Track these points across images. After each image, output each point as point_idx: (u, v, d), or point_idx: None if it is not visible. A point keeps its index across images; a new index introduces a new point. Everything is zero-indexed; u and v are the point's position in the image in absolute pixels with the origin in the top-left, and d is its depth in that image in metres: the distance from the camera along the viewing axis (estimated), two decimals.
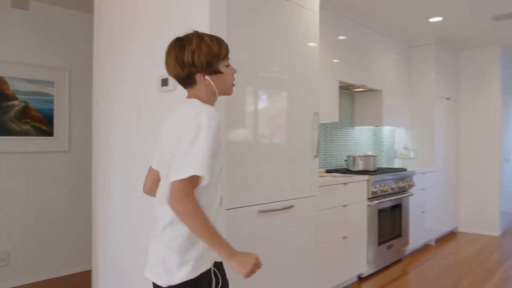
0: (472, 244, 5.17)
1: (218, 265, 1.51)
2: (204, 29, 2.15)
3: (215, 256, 1.45)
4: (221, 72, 1.47)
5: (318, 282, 3.13)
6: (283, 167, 2.66)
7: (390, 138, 5.42)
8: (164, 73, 2.32)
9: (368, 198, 3.82)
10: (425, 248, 5.00)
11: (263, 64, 2.53)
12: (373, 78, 4.50)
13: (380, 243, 4.00)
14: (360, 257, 3.73)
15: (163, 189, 1.43)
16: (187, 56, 1.42)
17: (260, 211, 2.48)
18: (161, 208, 1.42)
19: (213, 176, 1.37)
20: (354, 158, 4.16)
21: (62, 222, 3.91)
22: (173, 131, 1.40)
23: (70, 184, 3.97)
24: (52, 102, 3.83)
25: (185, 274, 1.36)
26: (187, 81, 1.46)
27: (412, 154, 5.26)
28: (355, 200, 3.63)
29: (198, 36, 1.45)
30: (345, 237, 3.51)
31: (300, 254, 2.80)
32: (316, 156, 2.93)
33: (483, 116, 5.79)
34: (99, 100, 2.85)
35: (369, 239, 3.84)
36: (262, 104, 2.53)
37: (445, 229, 5.50)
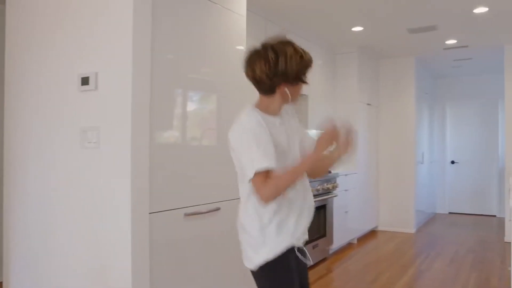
0: (390, 242, 5.49)
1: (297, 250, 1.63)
2: (127, 29, 2.09)
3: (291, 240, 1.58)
4: (303, 82, 1.58)
5: (246, 283, 3.14)
6: (211, 169, 2.65)
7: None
8: (85, 71, 2.22)
9: None
10: (348, 246, 5.23)
11: (191, 66, 2.51)
12: None
13: (306, 243, 4.11)
14: None
15: (241, 186, 1.70)
16: (281, 65, 1.51)
17: (186, 214, 2.45)
18: (242, 201, 1.69)
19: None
20: None
21: None
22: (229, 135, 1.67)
23: None
24: None
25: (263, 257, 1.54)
26: (266, 89, 1.58)
27: None
28: None
29: (290, 45, 1.57)
30: None
31: (228, 256, 2.80)
32: None
33: (400, 122, 6.19)
34: (12, 99, 2.65)
35: None
36: (190, 106, 2.51)
37: (366, 228, 5.80)
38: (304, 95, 4.79)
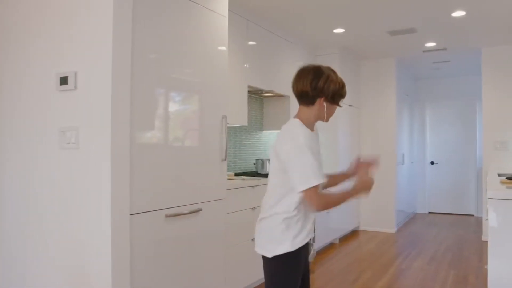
0: (371, 241, 5.55)
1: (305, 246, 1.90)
2: (107, 28, 2.07)
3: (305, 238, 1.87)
4: (337, 105, 1.90)
5: (227, 284, 3.14)
6: (192, 170, 2.65)
7: None
8: (64, 71, 2.19)
9: None
10: (330, 246, 5.27)
11: (173, 66, 2.50)
12: (281, 83, 4.65)
13: None
14: None
15: (268, 188, 1.94)
16: (321, 83, 1.82)
17: (167, 215, 2.44)
18: (265, 198, 1.94)
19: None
20: (262, 161, 4.26)
21: None
22: (278, 141, 1.90)
23: None
24: None
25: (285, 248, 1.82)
26: (308, 99, 1.85)
27: None
28: None
29: (332, 72, 1.87)
30: (253, 239, 3.56)
31: (209, 257, 2.80)
32: (225, 159, 2.95)
33: (381, 123, 6.27)
34: None
35: None
36: (172, 106, 2.50)
37: (348, 228, 5.85)
38: (286, 96, 4.82)
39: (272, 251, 1.85)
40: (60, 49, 2.24)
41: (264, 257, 1.91)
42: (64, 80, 2.19)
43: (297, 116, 1.89)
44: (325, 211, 4.97)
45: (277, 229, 1.83)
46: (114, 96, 2.08)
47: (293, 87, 1.89)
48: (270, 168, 1.89)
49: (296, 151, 1.75)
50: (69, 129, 2.17)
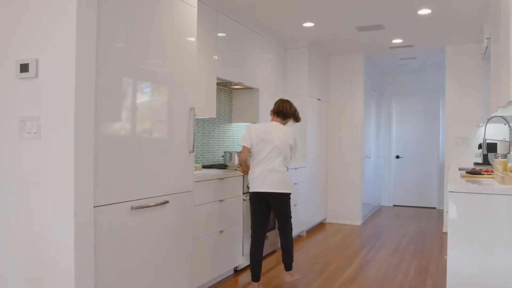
0: (338, 233, 5.65)
1: None
2: (71, 14, 2.00)
3: None
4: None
5: (194, 276, 3.13)
6: (159, 162, 2.61)
7: None
8: (24, 58, 2.11)
9: (244, 193, 3.94)
10: (298, 238, 5.33)
11: (140, 56, 2.44)
12: (251, 76, 4.65)
13: None
14: (236, 250, 3.83)
15: (280, 157, 3.36)
16: (294, 109, 3.54)
17: (133, 208, 2.40)
18: (279, 162, 3.35)
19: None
20: (231, 154, 4.25)
21: None
22: (288, 137, 3.42)
23: None
24: None
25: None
26: (288, 118, 3.52)
27: None
28: (231, 195, 3.72)
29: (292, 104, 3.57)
30: (221, 231, 3.57)
31: (176, 249, 2.78)
32: (192, 151, 2.93)
33: (349, 117, 6.37)
34: None
35: (245, 233, 3.96)
36: (139, 97, 2.45)
37: (315, 220, 5.93)
38: (255, 88, 4.81)
39: (291, 189, 3.41)
40: (20, 34, 2.15)
41: (286, 194, 3.38)
42: (24, 68, 2.11)
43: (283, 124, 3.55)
44: (293, 204, 5.05)
45: (288, 178, 3.41)
46: (77, 85, 2.02)
47: (287, 110, 3.51)
48: (282, 147, 3.35)
49: (296, 138, 3.54)
50: (30, 118, 2.10)
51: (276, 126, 3.41)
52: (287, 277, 3.47)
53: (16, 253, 2.16)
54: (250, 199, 3.40)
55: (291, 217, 3.48)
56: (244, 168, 3.44)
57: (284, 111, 3.45)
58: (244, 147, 3.35)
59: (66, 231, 2.02)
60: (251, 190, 3.38)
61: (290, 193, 3.39)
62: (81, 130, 2.04)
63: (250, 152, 3.38)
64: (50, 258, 2.07)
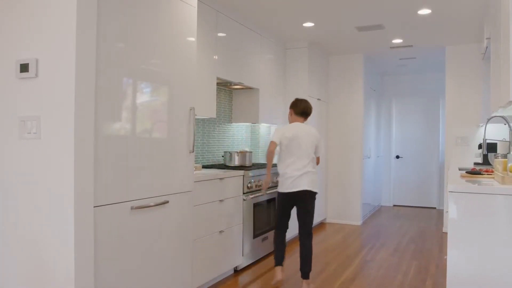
0: (337, 233, 5.65)
1: None
2: (71, 14, 2.00)
3: None
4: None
5: (194, 276, 3.13)
6: (159, 162, 2.61)
7: (266, 135, 5.66)
8: (24, 58, 2.11)
9: (244, 193, 3.94)
10: (297, 238, 5.33)
11: (141, 56, 2.44)
12: (251, 76, 4.65)
13: (256, 236, 4.16)
14: (236, 250, 3.83)
15: (309, 157, 3.46)
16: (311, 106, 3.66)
17: (133, 208, 2.40)
18: (309, 162, 3.45)
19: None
20: (230, 154, 4.25)
21: None
22: (314, 137, 3.51)
23: None
24: None
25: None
26: (309, 116, 3.64)
27: None
28: (231, 195, 3.72)
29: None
30: (221, 231, 3.57)
31: (176, 249, 2.78)
32: (192, 151, 2.93)
33: (349, 117, 6.37)
34: None
35: (245, 233, 3.96)
36: (139, 97, 2.45)
37: (315, 220, 5.93)
38: (255, 88, 4.81)
39: (318, 189, 3.10)
40: (20, 34, 2.15)
41: (315, 192, 3.48)
42: (24, 68, 2.11)
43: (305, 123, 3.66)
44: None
45: (317, 178, 3.55)
46: (77, 85, 2.02)
47: (310, 109, 3.61)
48: (309, 148, 3.46)
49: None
50: (30, 118, 2.10)
51: (303, 128, 3.49)
52: (304, 286, 3.39)
53: (16, 253, 2.16)
54: (279, 200, 3.51)
55: (312, 222, 3.50)
56: (270, 158, 3.45)
57: (307, 111, 3.55)
58: (272, 141, 3.40)
59: (66, 231, 2.02)
60: (281, 190, 3.47)
61: (317, 193, 3.51)
62: (81, 130, 2.04)
63: (277, 146, 3.47)
64: (50, 258, 2.07)
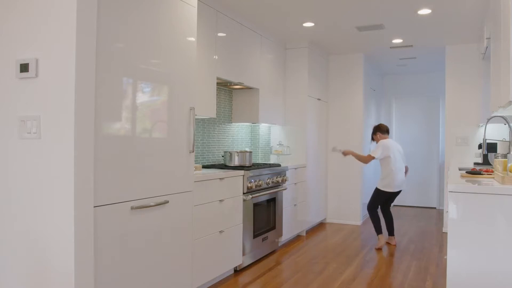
0: (337, 233, 5.65)
1: None
2: (71, 14, 2.00)
3: None
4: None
5: (194, 277, 3.13)
6: (159, 162, 2.61)
7: (266, 135, 5.66)
8: (24, 58, 2.11)
9: (244, 193, 3.94)
10: (297, 238, 5.33)
11: (141, 56, 2.44)
12: (251, 76, 4.65)
13: (255, 235, 4.16)
14: (236, 250, 3.83)
15: (401, 162, 4.95)
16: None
17: (133, 208, 2.40)
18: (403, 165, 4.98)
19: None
20: (230, 153, 4.25)
21: None
22: (401, 149, 5.04)
23: None
24: None
25: None
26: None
27: (286, 151, 5.56)
28: (231, 195, 3.72)
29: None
30: (221, 231, 3.57)
31: (176, 249, 2.78)
32: (192, 151, 2.93)
33: (349, 117, 6.37)
34: None
35: (245, 232, 3.96)
36: (139, 96, 2.45)
37: (315, 220, 5.93)
38: (255, 88, 4.81)
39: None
40: (20, 34, 2.15)
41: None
42: (24, 68, 2.11)
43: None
44: (293, 204, 5.05)
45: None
46: (78, 85, 2.02)
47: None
48: (398, 156, 4.90)
49: None
50: (30, 118, 2.10)
51: (395, 142, 5.03)
52: (391, 240, 5.04)
53: (16, 253, 2.16)
54: (382, 195, 4.92)
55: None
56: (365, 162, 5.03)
57: (388, 130, 5.12)
58: (371, 156, 4.86)
59: (66, 231, 2.02)
60: (388, 190, 4.87)
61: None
62: (81, 130, 2.04)
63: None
64: (50, 258, 2.07)
